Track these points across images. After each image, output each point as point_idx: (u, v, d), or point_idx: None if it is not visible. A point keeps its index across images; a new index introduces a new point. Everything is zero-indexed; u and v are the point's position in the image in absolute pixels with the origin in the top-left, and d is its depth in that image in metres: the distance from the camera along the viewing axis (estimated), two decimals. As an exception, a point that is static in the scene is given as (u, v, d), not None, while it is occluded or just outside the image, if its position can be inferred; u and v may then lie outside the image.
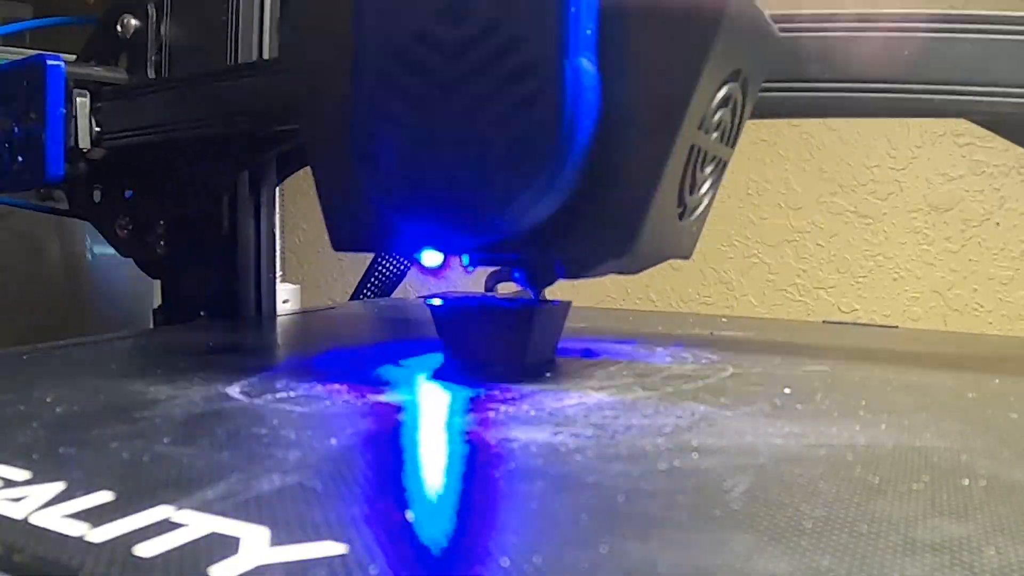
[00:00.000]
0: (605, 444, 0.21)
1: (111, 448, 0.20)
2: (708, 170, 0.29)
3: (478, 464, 0.20)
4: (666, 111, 0.25)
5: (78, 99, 0.44)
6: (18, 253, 0.64)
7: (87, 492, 0.17)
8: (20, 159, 0.44)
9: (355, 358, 0.36)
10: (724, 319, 0.55)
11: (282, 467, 0.19)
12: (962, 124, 0.79)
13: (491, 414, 0.24)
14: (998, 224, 0.81)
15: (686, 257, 0.31)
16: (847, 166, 0.87)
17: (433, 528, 0.15)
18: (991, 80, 0.30)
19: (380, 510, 0.16)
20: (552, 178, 0.25)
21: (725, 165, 0.30)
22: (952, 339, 0.53)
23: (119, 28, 0.47)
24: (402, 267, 0.66)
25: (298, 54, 0.31)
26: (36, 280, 0.65)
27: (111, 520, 0.15)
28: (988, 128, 0.34)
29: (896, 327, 0.53)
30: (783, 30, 0.30)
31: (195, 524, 0.15)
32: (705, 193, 0.29)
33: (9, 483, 0.17)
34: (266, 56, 0.46)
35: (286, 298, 0.52)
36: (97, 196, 0.49)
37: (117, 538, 0.14)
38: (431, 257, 0.30)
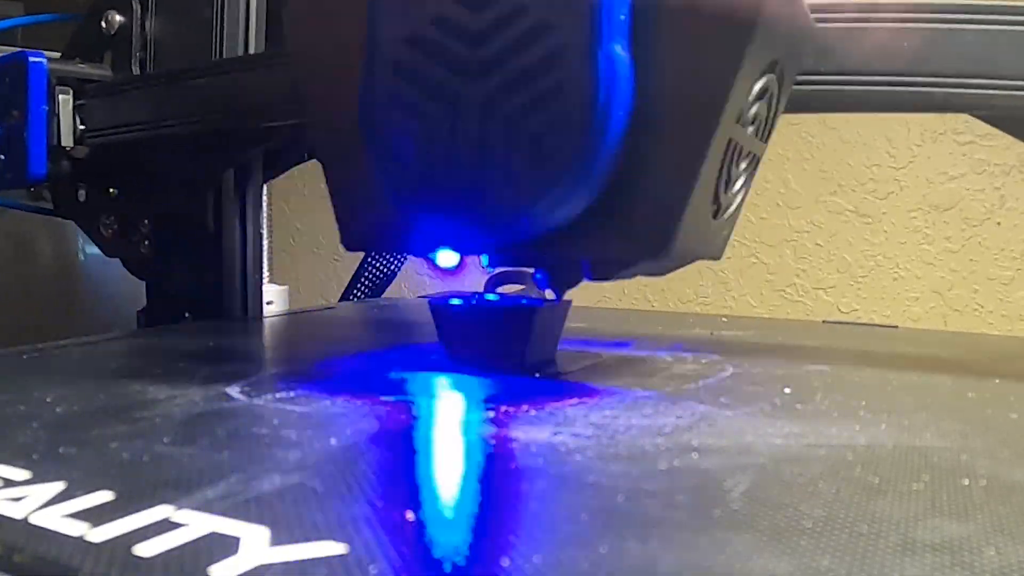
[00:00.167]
0: (605, 444, 0.21)
1: (111, 448, 0.20)
2: (743, 166, 0.27)
3: (478, 464, 0.20)
4: (705, 103, 0.24)
5: (61, 96, 0.43)
6: (8, 253, 0.64)
7: (87, 492, 0.17)
8: (2, 157, 0.43)
9: (354, 358, 0.36)
10: (724, 319, 0.55)
11: (282, 467, 0.19)
12: (963, 123, 0.80)
13: (491, 414, 0.24)
14: (999, 224, 0.81)
15: (716, 258, 0.29)
16: (847, 165, 0.87)
17: (433, 528, 0.15)
18: (999, 73, 0.29)
19: (380, 510, 0.16)
20: (582, 174, 0.23)
21: (759, 161, 0.29)
22: (952, 339, 0.53)
23: (103, 24, 0.46)
24: (393, 267, 0.65)
25: (305, 42, 0.29)
26: (27, 280, 0.65)
27: (111, 520, 0.15)
28: (992, 124, 0.33)
29: (896, 327, 0.53)
30: (820, 20, 0.29)
31: (195, 524, 0.15)
32: (739, 191, 0.28)
33: (9, 483, 0.17)
34: (252, 51, 0.45)
35: (270, 299, 0.51)
36: (82, 195, 0.48)
37: (117, 538, 0.14)
38: (447, 257, 0.29)
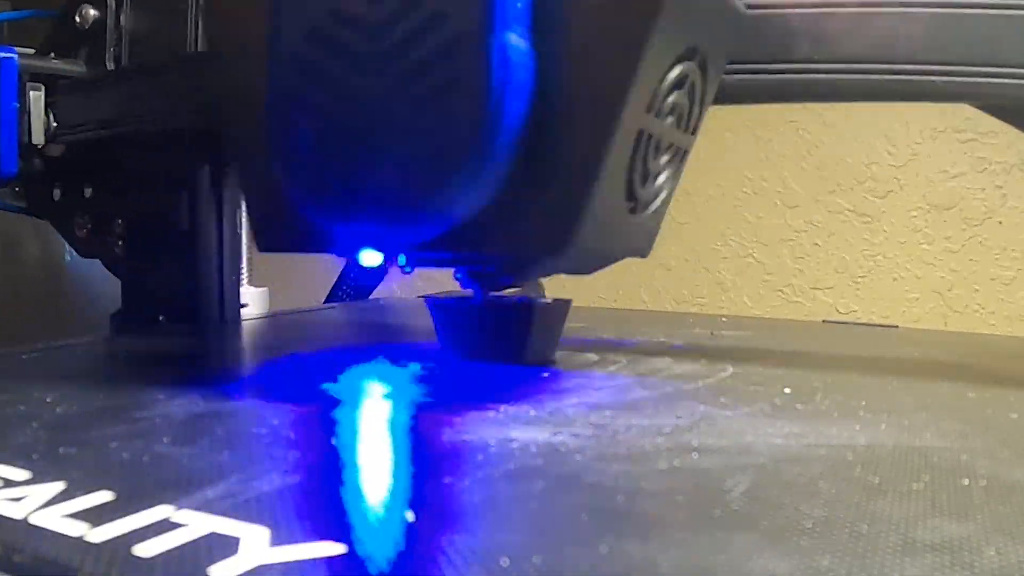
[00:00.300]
0: (605, 444, 0.21)
1: (111, 448, 0.20)
2: (663, 160, 0.26)
3: (478, 464, 0.20)
4: (607, 91, 0.23)
5: (32, 93, 0.42)
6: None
7: (87, 492, 0.17)
8: None
9: (354, 358, 0.36)
10: (724, 319, 0.55)
11: (282, 467, 0.19)
12: (963, 120, 0.79)
13: (491, 414, 0.24)
14: (1000, 223, 0.80)
15: (643, 256, 0.29)
16: (845, 163, 0.87)
17: (433, 528, 0.15)
18: (996, 61, 0.28)
19: (380, 510, 0.16)
20: (480, 166, 0.22)
21: (685, 154, 0.28)
22: (952, 339, 0.53)
23: (78, 19, 0.45)
24: (381, 267, 0.64)
25: (218, 37, 0.28)
26: (12, 281, 0.64)
27: (111, 520, 0.15)
28: (993, 115, 0.33)
29: (896, 327, 0.53)
30: (749, 6, 0.28)
31: (195, 524, 0.15)
32: (662, 185, 0.27)
33: (9, 483, 0.17)
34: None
35: (246, 302, 0.48)
36: (57, 194, 0.47)
37: (117, 538, 0.14)
38: (370, 256, 0.28)
